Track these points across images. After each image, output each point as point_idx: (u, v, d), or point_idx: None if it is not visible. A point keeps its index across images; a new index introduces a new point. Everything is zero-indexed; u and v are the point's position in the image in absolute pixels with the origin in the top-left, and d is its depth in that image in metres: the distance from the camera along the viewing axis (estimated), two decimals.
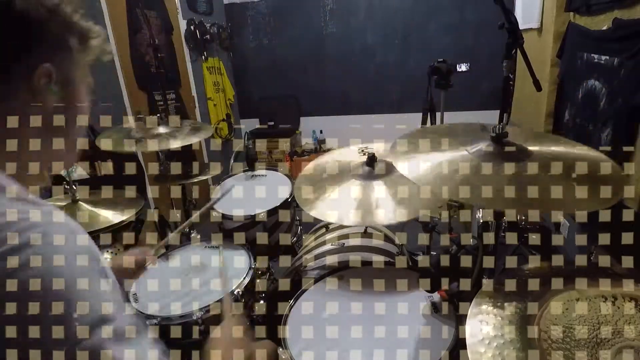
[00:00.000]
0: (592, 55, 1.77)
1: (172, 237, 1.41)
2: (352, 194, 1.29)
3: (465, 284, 1.02)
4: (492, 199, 0.80)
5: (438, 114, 2.91)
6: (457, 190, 0.83)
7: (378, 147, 1.47)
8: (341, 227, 1.75)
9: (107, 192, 1.60)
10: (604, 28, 1.69)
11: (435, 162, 0.94)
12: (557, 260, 0.89)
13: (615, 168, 0.91)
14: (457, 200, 0.88)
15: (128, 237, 2.12)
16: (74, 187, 1.47)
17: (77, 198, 1.46)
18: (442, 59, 2.80)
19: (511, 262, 0.94)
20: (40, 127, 0.55)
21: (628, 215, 0.89)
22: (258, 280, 1.46)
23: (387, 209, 1.22)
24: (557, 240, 1.03)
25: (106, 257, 2.15)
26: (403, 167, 0.96)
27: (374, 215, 1.21)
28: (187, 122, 1.87)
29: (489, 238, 1.12)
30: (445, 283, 1.07)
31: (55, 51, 0.56)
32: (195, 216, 1.42)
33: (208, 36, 3.98)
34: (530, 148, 0.98)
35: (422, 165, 0.94)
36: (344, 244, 1.57)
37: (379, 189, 1.29)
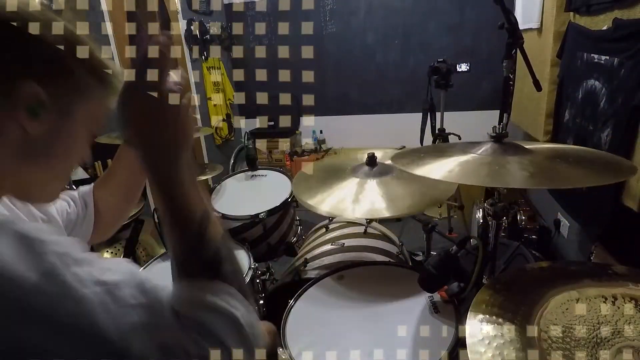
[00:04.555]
0: (592, 55, 1.76)
1: None
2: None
3: (465, 284, 1.02)
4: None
5: (438, 114, 2.91)
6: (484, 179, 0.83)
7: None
8: (341, 227, 1.75)
9: None
10: (604, 28, 1.69)
11: (451, 165, 0.94)
12: (557, 260, 0.89)
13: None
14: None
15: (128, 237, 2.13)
16: (74, 187, 1.46)
17: None
18: (442, 59, 2.80)
19: (511, 262, 0.94)
20: (17, 151, 0.46)
21: (628, 216, 0.89)
22: (258, 280, 1.46)
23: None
24: (557, 240, 1.03)
25: (106, 257, 2.16)
26: (430, 170, 0.94)
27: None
28: None
29: (489, 238, 1.12)
30: (445, 283, 1.07)
31: (51, 74, 0.48)
32: None
33: (208, 36, 3.98)
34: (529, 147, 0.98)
35: (442, 167, 0.93)
36: (344, 244, 1.57)
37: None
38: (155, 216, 2.65)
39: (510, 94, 1.19)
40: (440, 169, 0.91)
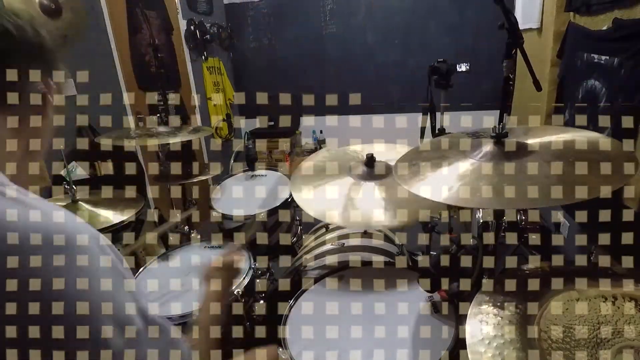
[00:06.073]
0: (592, 55, 1.76)
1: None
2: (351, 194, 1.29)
3: (465, 284, 1.02)
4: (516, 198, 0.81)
5: (438, 114, 2.91)
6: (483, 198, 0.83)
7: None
8: (341, 227, 1.75)
9: (107, 192, 1.60)
10: (604, 28, 1.69)
11: (449, 177, 0.95)
12: (557, 260, 0.89)
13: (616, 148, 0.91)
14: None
15: (128, 237, 2.12)
16: (74, 187, 1.46)
17: (77, 198, 1.46)
18: (442, 59, 2.80)
19: (511, 262, 0.94)
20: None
21: (628, 215, 0.89)
22: (258, 280, 1.46)
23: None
24: (557, 240, 1.03)
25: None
26: (424, 191, 0.95)
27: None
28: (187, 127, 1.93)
29: (489, 238, 1.12)
30: (445, 283, 1.07)
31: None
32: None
33: (208, 36, 3.97)
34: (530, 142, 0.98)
35: (440, 184, 0.94)
36: (344, 244, 1.56)
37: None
38: (156, 216, 2.65)
39: (510, 94, 1.18)
40: (441, 184, 0.92)
